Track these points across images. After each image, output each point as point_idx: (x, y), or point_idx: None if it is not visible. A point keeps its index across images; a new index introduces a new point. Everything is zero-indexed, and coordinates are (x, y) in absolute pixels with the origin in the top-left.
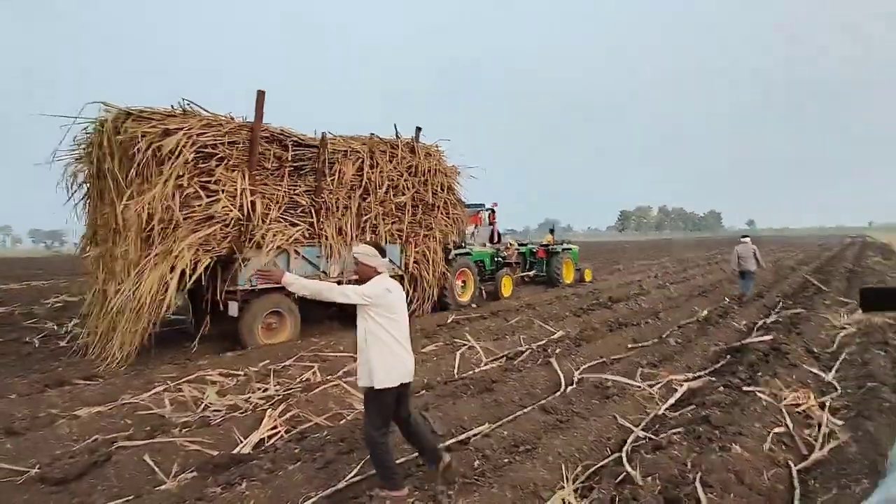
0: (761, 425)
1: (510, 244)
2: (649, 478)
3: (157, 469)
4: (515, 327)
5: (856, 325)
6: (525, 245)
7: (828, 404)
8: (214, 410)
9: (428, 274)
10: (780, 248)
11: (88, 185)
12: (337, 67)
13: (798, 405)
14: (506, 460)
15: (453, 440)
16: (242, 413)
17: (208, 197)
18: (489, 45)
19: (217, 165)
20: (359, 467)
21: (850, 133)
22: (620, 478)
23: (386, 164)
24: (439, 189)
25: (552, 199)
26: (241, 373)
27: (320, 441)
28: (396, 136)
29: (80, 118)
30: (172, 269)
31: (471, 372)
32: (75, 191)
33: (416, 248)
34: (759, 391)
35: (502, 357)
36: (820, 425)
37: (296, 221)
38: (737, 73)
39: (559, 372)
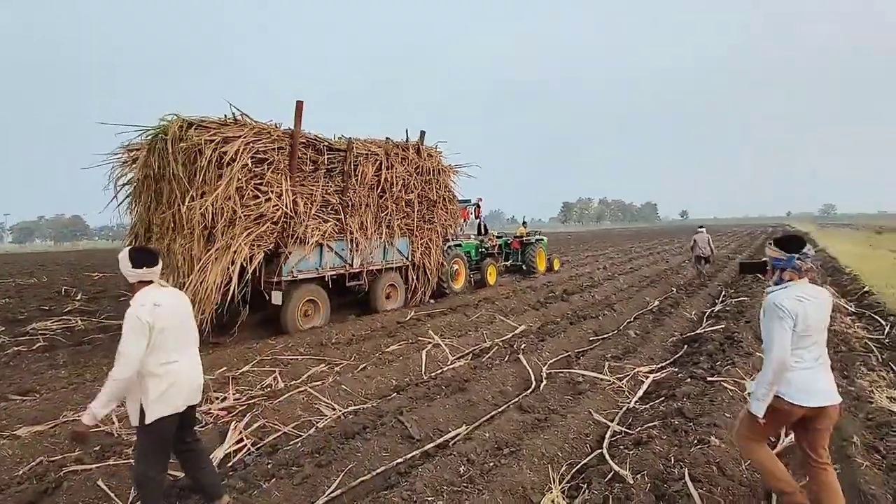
0: (731, 415)
1: (493, 236)
2: (639, 475)
3: (112, 495)
4: (477, 323)
5: None
6: (501, 237)
7: None
8: None
9: (430, 264)
10: (714, 238)
11: (140, 187)
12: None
13: None
14: (491, 464)
15: (431, 444)
16: (202, 427)
17: (260, 198)
18: (432, 35)
19: (267, 169)
20: (339, 479)
21: (773, 130)
22: (609, 476)
23: (399, 164)
24: (439, 187)
25: (497, 191)
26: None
27: (294, 454)
28: (406, 139)
29: (139, 126)
30: (233, 262)
31: (439, 371)
32: (119, 192)
33: (420, 240)
34: (722, 381)
35: (468, 354)
36: None
37: (327, 218)
38: (671, 71)
39: (528, 368)
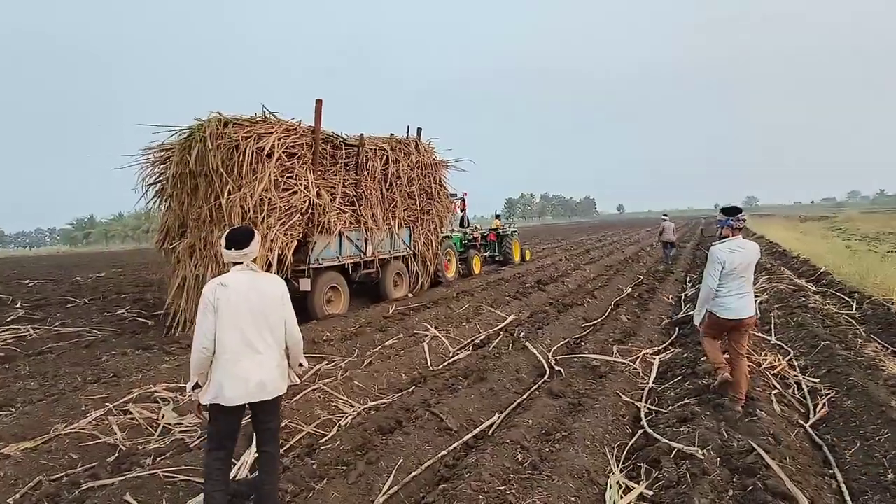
0: (761, 388)
1: (476, 228)
2: (704, 450)
3: None
4: (465, 314)
5: (765, 293)
6: (478, 229)
7: (796, 364)
8: (183, 432)
9: (429, 253)
10: (656, 229)
11: (174, 184)
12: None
13: (773, 367)
14: (546, 450)
15: (470, 435)
16: None
17: (290, 190)
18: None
19: (296, 163)
20: (391, 476)
21: (703, 130)
22: (674, 454)
23: (403, 159)
24: (435, 180)
25: None
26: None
27: (335, 452)
28: (407, 135)
29: (176, 127)
30: (271, 250)
31: (444, 363)
32: (148, 189)
33: (421, 231)
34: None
35: (468, 345)
36: (799, 384)
37: (344, 209)
38: (603, 71)
39: (538, 356)
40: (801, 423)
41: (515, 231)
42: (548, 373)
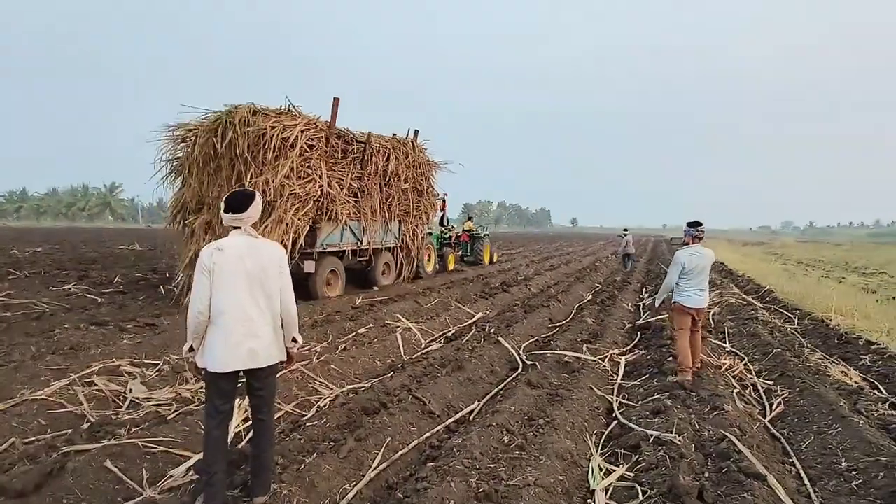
0: (724, 387)
1: (452, 228)
2: (680, 437)
3: (123, 476)
4: (434, 309)
5: (717, 305)
6: (454, 230)
7: (751, 368)
8: (157, 405)
9: (414, 246)
10: (610, 243)
11: (195, 164)
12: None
13: (732, 369)
14: (531, 434)
15: (452, 420)
16: (197, 406)
17: (306, 178)
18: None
19: (313, 154)
20: (381, 453)
21: (649, 150)
22: (651, 440)
23: (402, 158)
24: (425, 179)
25: None
26: (159, 362)
27: (322, 430)
28: (406, 136)
29: (206, 110)
30: (286, 232)
31: (419, 353)
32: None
33: (408, 225)
34: (706, 358)
35: (440, 338)
36: (755, 385)
37: (348, 200)
38: (568, 82)
39: (511, 350)
40: (760, 418)
41: (487, 234)
42: (521, 366)
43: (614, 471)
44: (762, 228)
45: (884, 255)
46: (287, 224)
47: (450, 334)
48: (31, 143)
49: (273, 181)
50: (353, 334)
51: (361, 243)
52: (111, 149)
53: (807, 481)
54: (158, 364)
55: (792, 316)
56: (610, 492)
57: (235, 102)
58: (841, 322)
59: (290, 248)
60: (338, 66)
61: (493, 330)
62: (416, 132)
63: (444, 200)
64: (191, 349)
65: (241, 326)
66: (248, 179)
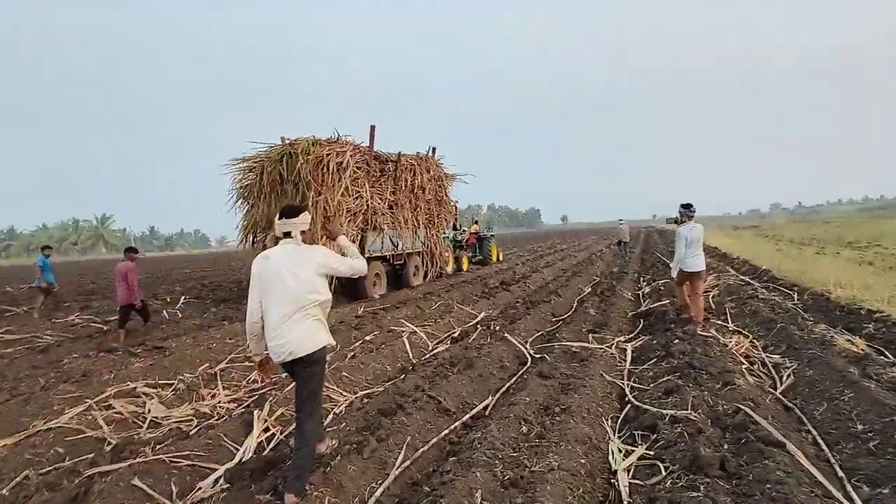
0: (732, 363)
1: (463, 231)
2: (696, 413)
3: (154, 493)
4: (437, 313)
5: (714, 287)
6: (465, 233)
7: (758, 345)
8: (177, 423)
9: (437, 250)
10: (602, 237)
11: (264, 189)
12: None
13: (738, 346)
14: (548, 422)
15: (468, 416)
16: (217, 420)
17: (355, 196)
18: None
19: (361, 175)
20: (402, 452)
21: (639, 140)
22: (667, 419)
23: (424, 173)
24: (443, 190)
25: None
26: (174, 382)
27: (343, 433)
28: (427, 153)
29: (268, 143)
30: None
31: (428, 355)
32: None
33: (432, 231)
34: (710, 337)
35: (447, 339)
36: (763, 361)
37: (385, 212)
38: (553, 82)
39: (519, 345)
40: (772, 391)
41: (493, 235)
42: (529, 360)
43: (634, 451)
44: (752, 212)
45: (876, 229)
46: (343, 234)
47: (455, 335)
48: (14, 180)
49: (331, 199)
50: (360, 342)
51: (397, 248)
52: (99, 181)
53: (824, 446)
54: (174, 383)
55: (791, 292)
56: (632, 471)
57: (286, 134)
58: (841, 294)
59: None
60: (295, 65)
61: (498, 327)
62: (433, 149)
63: (455, 207)
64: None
65: (276, 324)
66: (311, 199)
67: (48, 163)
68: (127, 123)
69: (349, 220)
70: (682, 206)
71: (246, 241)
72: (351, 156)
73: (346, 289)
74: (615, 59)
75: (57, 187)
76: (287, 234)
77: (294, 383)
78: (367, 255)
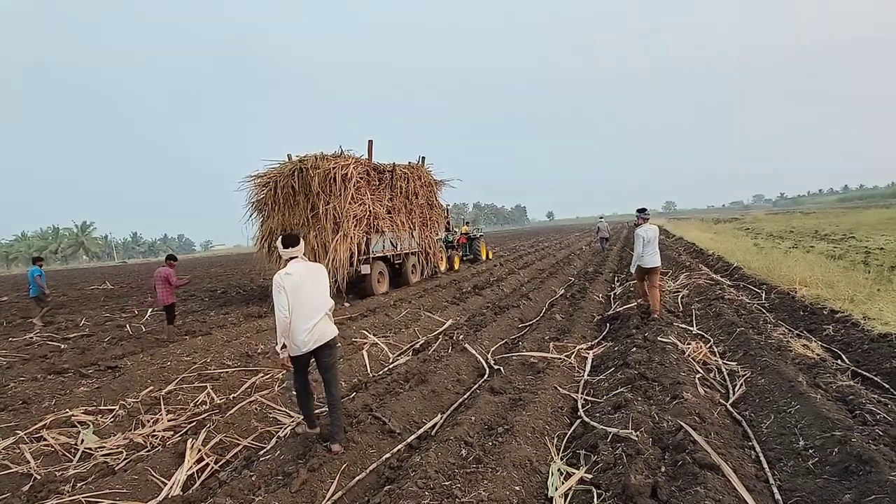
0: (686, 373)
1: (456, 231)
2: (637, 433)
3: None
4: (403, 321)
5: (684, 287)
6: (456, 233)
7: (716, 350)
8: (106, 455)
9: (431, 250)
10: (585, 234)
11: (277, 200)
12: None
13: (697, 353)
14: (489, 443)
15: (414, 437)
16: (149, 451)
17: (359, 203)
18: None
19: (363, 185)
20: (336, 481)
21: (619, 136)
22: (609, 438)
23: (416, 180)
24: (434, 195)
25: None
26: (115, 407)
27: (275, 462)
28: (418, 161)
29: (279, 160)
30: (352, 242)
31: (385, 368)
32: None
33: (426, 233)
34: (667, 343)
35: (408, 350)
36: (719, 368)
37: (385, 216)
38: (537, 81)
39: (478, 356)
40: (723, 402)
41: (482, 235)
42: (487, 372)
43: (574, 474)
44: (734, 204)
45: (852, 219)
46: (350, 237)
47: (418, 345)
48: None
49: (339, 207)
50: None
51: (396, 249)
52: (79, 187)
53: (765, 465)
54: (115, 409)
55: (759, 291)
56: (570, 496)
57: (292, 151)
58: (806, 293)
59: (355, 254)
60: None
61: (461, 337)
62: (423, 158)
63: (447, 210)
64: (283, 346)
65: (306, 323)
66: (321, 208)
67: (25, 169)
68: (108, 128)
69: (355, 225)
70: (638, 210)
71: (262, 248)
72: (354, 168)
73: (354, 287)
74: (595, 57)
75: (35, 194)
76: (293, 256)
77: (297, 379)
78: (371, 256)
